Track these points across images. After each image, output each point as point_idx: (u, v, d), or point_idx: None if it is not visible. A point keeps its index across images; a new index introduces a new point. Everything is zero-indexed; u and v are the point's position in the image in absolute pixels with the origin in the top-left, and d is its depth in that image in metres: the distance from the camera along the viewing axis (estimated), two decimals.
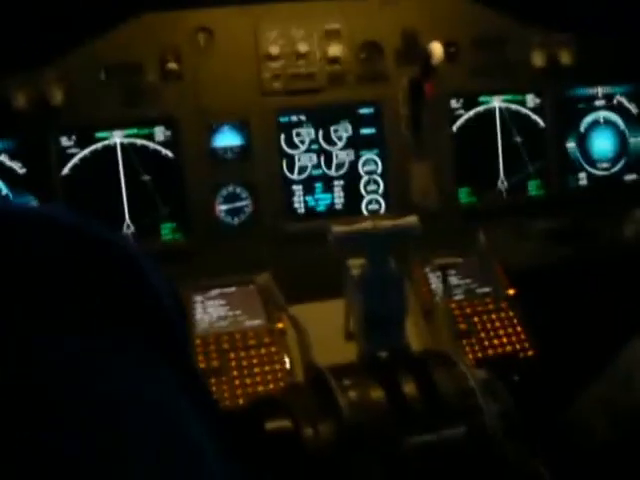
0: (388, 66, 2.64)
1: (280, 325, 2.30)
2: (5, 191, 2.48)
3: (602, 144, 2.86)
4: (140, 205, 2.53)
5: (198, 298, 2.39)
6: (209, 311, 2.38)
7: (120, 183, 2.51)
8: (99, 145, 2.52)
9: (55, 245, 0.53)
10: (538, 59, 2.74)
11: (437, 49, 2.51)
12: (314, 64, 2.59)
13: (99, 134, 2.52)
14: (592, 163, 2.86)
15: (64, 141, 2.50)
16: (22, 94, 2.46)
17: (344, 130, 2.64)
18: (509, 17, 2.72)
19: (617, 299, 2.51)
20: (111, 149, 2.52)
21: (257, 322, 2.36)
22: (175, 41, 2.53)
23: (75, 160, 2.49)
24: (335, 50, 2.58)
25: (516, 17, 2.71)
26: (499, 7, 2.70)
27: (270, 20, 2.57)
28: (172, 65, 2.54)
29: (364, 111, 2.64)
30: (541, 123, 2.80)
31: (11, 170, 2.46)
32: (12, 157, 2.48)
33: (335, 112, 2.63)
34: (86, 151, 2.50)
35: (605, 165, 2.87)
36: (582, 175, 2.84)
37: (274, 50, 2.55)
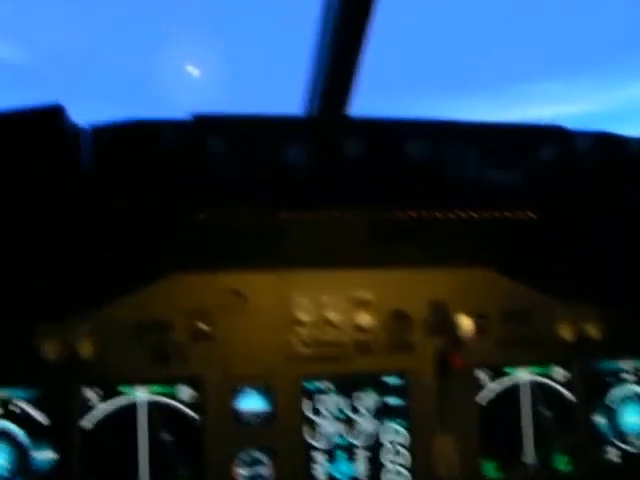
0: (416, 336, 2.66)
1: None
2: (25, 441, 2.44)
3: (632, 418, 2.80)
4: (158, 464, 2.47)
5: None
6: None
7: (140, 440, 2.47)
8: (122, 400, 2.50)
9: None
10: (565, 332, 2.75)
11: (465, 322, 2.54)
12: (342, 332, 2.62)
13: (123, 388, 2.51)
14: (622, 438, 2.78)
15: (88, 393, 2.49)
16: (52, 345, 2.48)
17: (369, 399, 2.61)
18: (535, 290, 2.76)
19: None
20: (134, 404, 2.50)
21: None
22: (206, 302, 2.58)
23: (97, 413, 2.46)
24: (364, 319, 2.62)
25: (542, 290, 2.75)
26: (526, 280, 2.74)
27: (301, 286, 2.63)
28: (202, 326, 2.57)
29: (390, 380, 2.63)
30: (569, 396, 2.76)
31: (34, 420, 2.44)
32: (36, 406, 2.46)
33: (361, 381, 2.62)
34: (109, 405, 2.48)
35: (636, 440, 2.79)
36: (612, 450, 2.76)
37: (303, 316, 2.59)
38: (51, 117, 2.12)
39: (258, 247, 2.54)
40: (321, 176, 2.35)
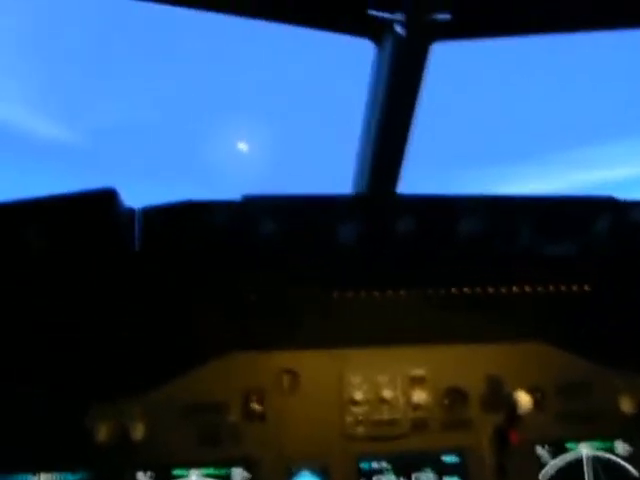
0: (472, 413, 2.60)
1: None
2: None
3: None
4: None
5: None
6: None
7: None
8: None
9: None
10: (625, 404, 2.67)
11: (524, 399, 2.48)
12: (397, 410, 2.57)
13: (176, 471, 2.48)
14: None
15: (140, 477, 2.46)
16: (105, 427, 2.47)
17: (427, 478, 2.54)
18: (594, 362, 2.69)
19: None
20: None
21: None
22: (259, 382, 2.55)
23: None
24: (419, 396, 2.58)
25: (602, 362, 2.69)
26: (584, 353, 2.68)
27: (355, 365, 2.59)
28: (255, 406, 2.54)
29: (448, 459, 2.57)
30: (633, 472, 2.67)
31: None
32: None
33: (418, 459, 2.56)
34: None
35: None
36: None
37: (358, 395, 2.55)
38: (104, 201, 2.13)
39: (311, 325, 2.51)
40: (373, 254, 2.33)
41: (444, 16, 2.41)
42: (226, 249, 2.26)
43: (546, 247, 2.41)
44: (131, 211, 2.23)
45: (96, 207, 2.16)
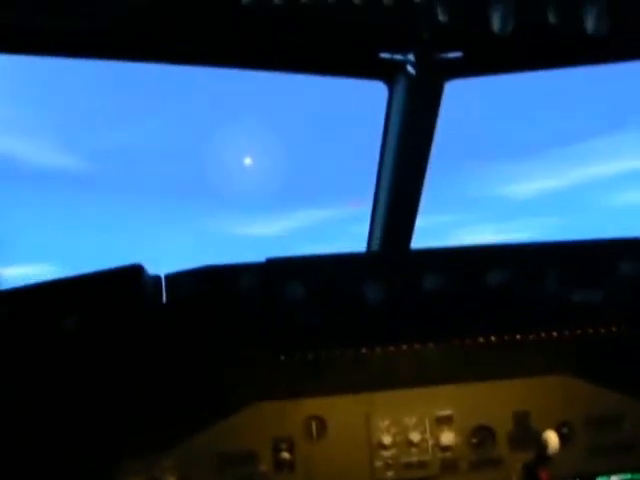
0: (501, 451, 2.60)
1: None
2: None
3: None
4: None
5: None
6: None
7: None
8: None
9: None
10: None
11: (553, 439, 2.47)
12: (426, 452, 2.58)
13: None
14: None
15: None
16: None
17: None
18: (623, 394, 2.68)
19: None
20: None
21: None
22: (288, 430, 2.57)
23: None
24: (447, 437, 2.58)
25: (631, 393, 2.67)
26: (612, 384, 2.67)
27: (381, 408, 2.60)
28: (285, 454, 2.57)
29: None
30: None
31: None
32: None
33: None
34: None
35: None
36: None
37: (386, 439, 2.56)
38: (132, 276, 2.18)
39: (337, 373, 2.53)
40: (400, 311, 2.35)
41: (455, 54, 2.41)
42: (253, 311, 2.30)
43: (572, 293, 2.41)
44: (157, 279, 2.27)
45: (124, 283, 2.22)
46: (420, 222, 2.62)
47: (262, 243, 3.69)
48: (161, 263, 2.36)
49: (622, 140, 3.79)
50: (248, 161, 3.22)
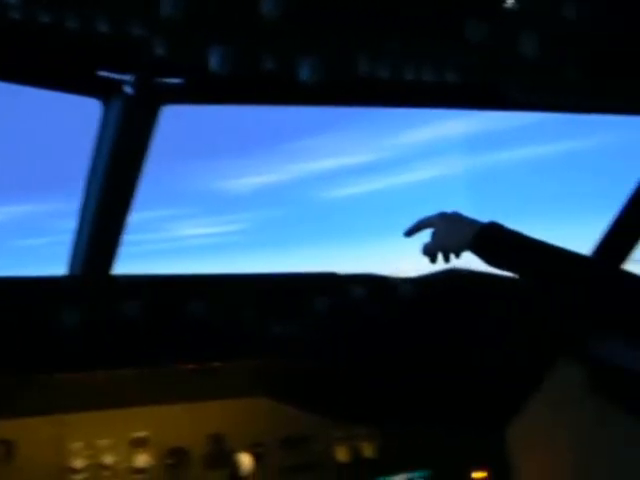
0: (195, 472, 2.67)
1: None
2: None
3: None
4: None
5: None
6: None
7: None
8: None
9: None
10: (341, 454, 2.88)
11: (244, 460, 2.60)
12: (119, 475, 2.57)
13: None
14: None
15: None
16: None
17: None
18: (313, 415, 2.86)
19: None
20: None
21: None
22: None
23: None
24: (142, 459, 2.60)
25: (322, 415, 2.86)
26: (304, 407, 2.84)
27: (75, 430, 2.55)
28: None
29: None
30: None
31: None
32: None
33: None
34: None
35: None
36: None
37: (78, 462, 2.52)
38: None
39: (29, 396, 2.44)
40: (98, 337, 2.33)
41: (175, 81, 2.41)
42: None
43: (269, 326, 2.55)
44: None
45: None
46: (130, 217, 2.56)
47: None
48: None
49: (341, 137, 3.98)
50: None
